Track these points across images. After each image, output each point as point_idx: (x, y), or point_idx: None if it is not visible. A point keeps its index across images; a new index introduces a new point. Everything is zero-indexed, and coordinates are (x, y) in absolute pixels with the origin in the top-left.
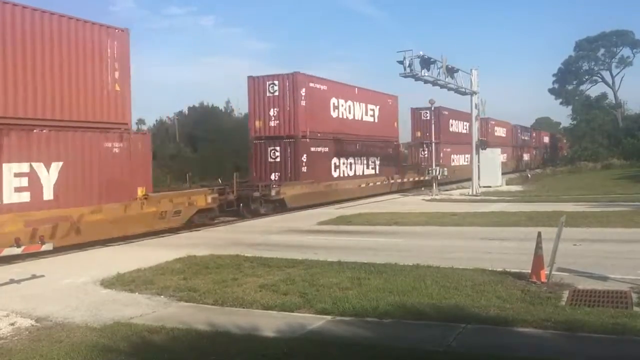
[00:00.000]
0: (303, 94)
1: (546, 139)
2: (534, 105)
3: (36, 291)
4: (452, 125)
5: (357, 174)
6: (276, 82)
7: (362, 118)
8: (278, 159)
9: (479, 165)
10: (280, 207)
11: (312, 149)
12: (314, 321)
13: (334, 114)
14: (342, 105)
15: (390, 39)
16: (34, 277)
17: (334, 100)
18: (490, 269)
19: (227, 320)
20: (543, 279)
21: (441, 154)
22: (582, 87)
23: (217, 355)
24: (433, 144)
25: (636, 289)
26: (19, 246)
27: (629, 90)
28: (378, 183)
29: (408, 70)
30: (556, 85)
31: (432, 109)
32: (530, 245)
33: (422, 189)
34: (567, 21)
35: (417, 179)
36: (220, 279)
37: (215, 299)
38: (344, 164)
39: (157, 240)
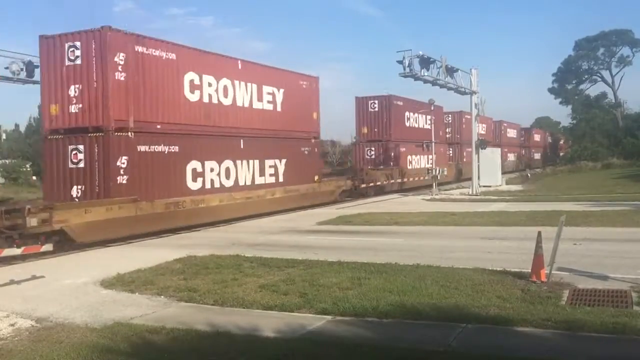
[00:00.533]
0: (120, 62)
1: (547, 139)
2: (533, 104)
3: (36, 292)
4: (408, 118)
5: (242, 183)
6: (78, 45)
7: (251, 104)
8: (82, 164)
9: (478, 165)
10: (61, 243)
11: (142, 147)
12: (314, 321)
13: (193, 97)
14: (210, 85)
15: (389, 39)
16: (34, 277)
17: (192, 77)
18: (490, 268)
19: (227, 320)
20: (543, 279)
21: (392, 154)
22: (582, 87)
23: (218, 355)
24: (433, 144)
25: (636, 289)
26: (18, 247)
27: (628, 90)
28: (279, 195)
29: (407, 70)
30: (556, 85)
31: (386, 97)
32: (530, 244)
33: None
34: (567, 21)
35: (346, 187)
36: (220, 279)
37: (215, 299)
38: (212, 170)
39: (157, 240)
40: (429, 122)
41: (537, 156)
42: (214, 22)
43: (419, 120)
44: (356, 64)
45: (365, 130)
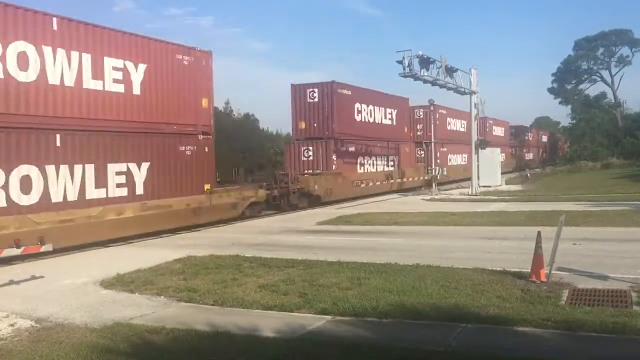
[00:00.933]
0: None
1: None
2: (533, 104)
3: (36, 292)
4: (360, 112)
5: (56, 199)
6: None
7: (80, 83)
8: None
9: (478, 165)
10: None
11: None
12: (314, 321)
13: None
14: None
15: (389, 39)
16: (33, 277)
17: None
18: (490, 268)
19: (227, 320)
20: (543, 279)
21: (334, 157)
22: (582, 87)
23: (217, 355)
24: (432, 143)
25: (636, 288)
26: (18, 247)
27: (628, 90)
28: (132, 214)
29: (407, 70)
30: (555, 85)
31: (327, 84)
32: (530, 244)
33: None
34: (566, 20)
35: (258, 198)
36: (220, 279)
37: (215, 299)
38: None
39: (156, 240)
40: (389, 116)
41: (530, 156)
42: (213, 22)
43: (374, 114)
44: (356, 64)
45: (302, 125)
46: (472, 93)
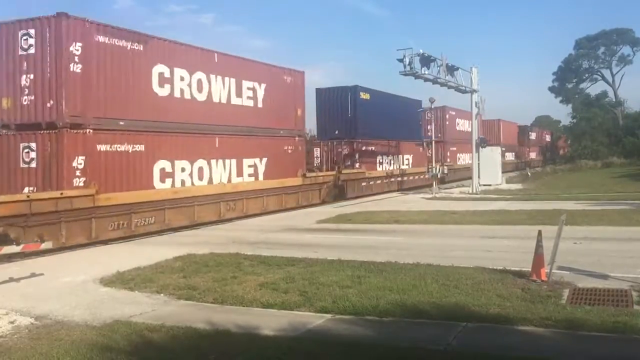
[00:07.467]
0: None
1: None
2: (534, 103)
3: (35, 289)
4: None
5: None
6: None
7: (229, 100)
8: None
9: (479, 164)
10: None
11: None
12: (314, 320)
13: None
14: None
15: (390, 37)
16: (33, 275)
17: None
18: (490, 267)
19: (227, 318)
20: (543, 278)
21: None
22: (582, 86)
23: (217, 354)
24: (433, 143)
25: (636, 288)
26: (18, 244)
27: (629, 89)
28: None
29: (408, 68)
30: (556, 84)
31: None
32: (531, 243)
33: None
34: (567, 19)
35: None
36: (220, 277)
37: (215, 298)
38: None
39: (157, 238)
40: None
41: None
42: (214, 19)
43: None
44: (357, 63)
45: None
46: (472, 92)
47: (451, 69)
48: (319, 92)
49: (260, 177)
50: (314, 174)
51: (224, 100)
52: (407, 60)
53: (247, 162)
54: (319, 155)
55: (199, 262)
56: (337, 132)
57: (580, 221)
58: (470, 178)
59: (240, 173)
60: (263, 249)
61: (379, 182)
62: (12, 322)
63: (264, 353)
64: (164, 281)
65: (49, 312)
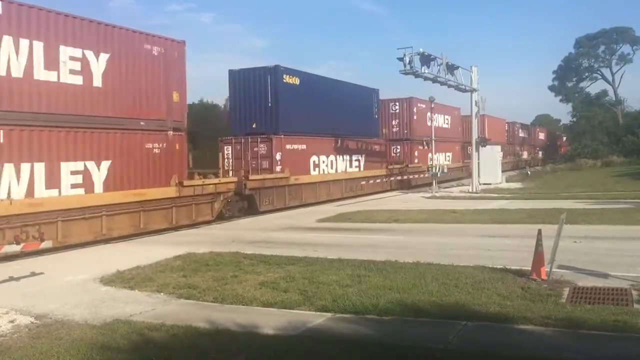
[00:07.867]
0: None
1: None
2: (534, 102)
3: (36, 289)
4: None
5: None
6: None
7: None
8: None
9: (478, 163)
10: None
11: None
12: (314, 319)
13: None
14: None
15: (390, 36)
16: (33, 274)
17: None
18: (490, 266)
19: (227, 317)
20: (543, 277)
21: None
22: (582, 84)
23: (217, 352)
24: (433, 142)
25: (637, 287)
26: (18, 244)
27: (629, 88)
28: None
29: (408, 67)
30: (556, 83)
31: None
32: (531, 242)
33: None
34: (567, 18)
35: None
36: (220, 276)
37: (215, 297)
38: None
39: (157, 237)
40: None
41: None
42: (213, 18)
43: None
44: (357, 62)
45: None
46: (472, 90)
47: (451, 68)
48: (232, 74)
49: (98, 188)
50: (197, 182)
51: (18, 74)
52: (407, 59)
53: (68, 166)
54: (229, 156)
55: (199, 261)
56: (254, 126)
57: (580, 220)
58: (431, 184)
59: (54, 184)
60: (263, 248)
61: (311, 188)
62: (12, 321)
63: (264, 352)
64: (164, 280)
65: (49, 311)
